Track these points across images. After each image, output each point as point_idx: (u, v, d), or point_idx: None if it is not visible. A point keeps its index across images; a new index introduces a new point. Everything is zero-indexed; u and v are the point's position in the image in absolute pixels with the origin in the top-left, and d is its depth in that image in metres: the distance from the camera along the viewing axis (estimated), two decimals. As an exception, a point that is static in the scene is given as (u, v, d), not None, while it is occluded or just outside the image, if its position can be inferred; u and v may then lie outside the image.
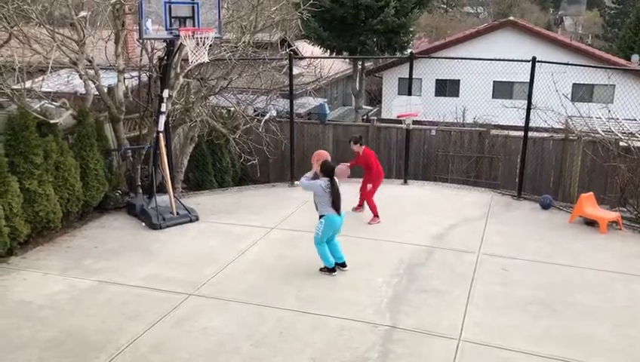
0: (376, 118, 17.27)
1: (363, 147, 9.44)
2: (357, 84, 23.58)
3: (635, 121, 12.10)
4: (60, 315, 6.41)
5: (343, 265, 7.54)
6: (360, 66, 23.42)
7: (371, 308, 6.55)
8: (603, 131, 11.05)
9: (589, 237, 8.86)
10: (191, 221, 9.37)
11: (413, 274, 7.44)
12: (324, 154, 7.62)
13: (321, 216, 7.24)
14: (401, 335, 6.00)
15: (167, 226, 9.10)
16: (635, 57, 27.63)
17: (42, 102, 8.94)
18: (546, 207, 10.18)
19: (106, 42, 10.25)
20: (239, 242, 8.51)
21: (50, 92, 9.28)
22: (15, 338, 5.93)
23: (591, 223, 9.26)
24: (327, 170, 7.21)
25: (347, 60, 25.96)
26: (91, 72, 9.59)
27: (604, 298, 6.86)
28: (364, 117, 23.65)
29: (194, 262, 7.84)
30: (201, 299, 6.79)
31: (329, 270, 7.40)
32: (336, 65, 23.50)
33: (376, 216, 9.33)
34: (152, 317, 6.34)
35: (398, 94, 21.98)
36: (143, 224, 9.24)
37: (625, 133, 10.84)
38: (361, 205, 9.78)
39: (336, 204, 7.15)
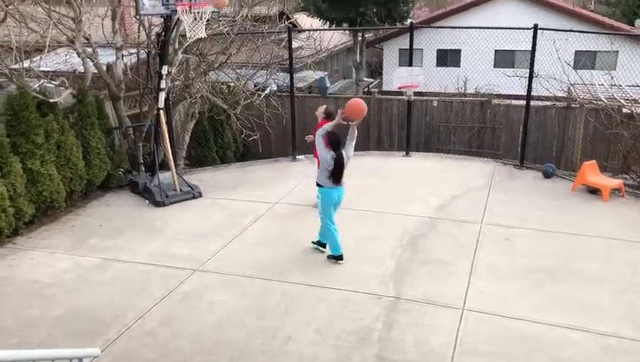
0: (377, 90, 17.17)
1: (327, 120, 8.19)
2: (357, 56, 23.37)
3: (638, 87, 12.00)
4: (68, 293, 6.48)
5: (323, 245, 7.22)
6: (360, 38, 23.18)
7: (375, 279, 6.60)
8: (606, 98, 10.97)
9: (592, 205, 8.86)
10: (194, 197, 9.39)
11: (416, 246, 7.48)
12: (356, 109, 6.60)
13: (317, 185, 6.95)
14: (406, 305, 6.06)
15: (171, 203, 9.13)
16: (638, 22, 27.27)
17: (41, 82, 8.90)
18: (548, 175, 10.18)
19: (103, 19, 10.15)
20: (243, 217, 8.55)
21: (48, 71, 9.24)
22: (25, 317, 6.01)
23: (594, 191, 9.26)
24: (333, 143, 6.68)
25: (347, 32, 25.69)
26: (89, 49, 9.52)
27: (607, 265, 6.89)
28: (366, 89, 23.49)
29: (198, 237, 7.89)
30: (206, 275, 6.85)
31: (335, 258, 7.01)
32: (336, 38, 23.21)
33: None
34: (159, 293, 6.41)
35: (399, 65, 21.82)
36: (147, 201, 9.27)
37: (628, 99, 10.77)
38: None
39: (335, 176, 6.71)
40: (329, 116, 8.58)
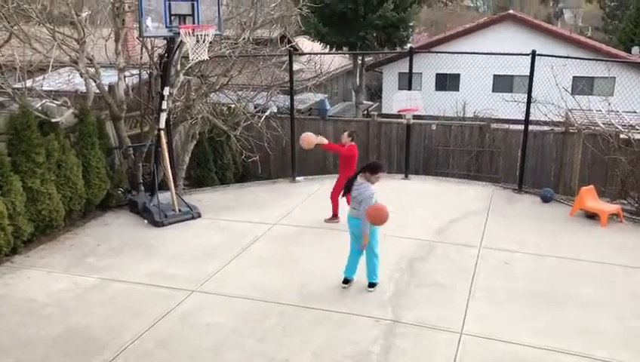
0: (376, 113, 17.29)
1: (353, 143, 8.86)
2: (357, 80, 23.56)
3: (635, 113, 12.11)
4: (64, 313, 6.45)
5: (344, 280, 6.98)
6: (360, 62, 23.40)
7: (373, 302, 6.59)
8: (603, 124, 11.05)
9: (590, 230, 8.88)
10: (193, 218, 9.40)
11: (414, 269, 7.47)
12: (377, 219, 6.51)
13: None
14: (404, 329, 6.04)
15: (170, 223, 9.13)
16: (635, 49, 27.58)
17: (43, 101, 8.97)
18: (547, 200, 10.21)
19: (106, 40, 10.27)
20: (241, 238, 8.55)
21: (51, 91, 9.30)
22: (21, 336, 5.97)
23: (592, 216, 9.28)
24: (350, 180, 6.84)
25: (347, 56, 25.92)
26: (92, 70, 9.62)
27: (605, 290, 6.89)
28: (365, 112, 23.63)
29: (197, 258, 7.88)
30: (204, 295, 6.83)
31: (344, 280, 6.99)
32: (336, 61, 23.43)
33: (335, 215, 9.03)
34: (156, 313, 6.38)
35: (399, 89, 21.99)
36: (146, 221, 9.28)
37: (625, 125, 10.84)
38: (336, 215, 9.08)
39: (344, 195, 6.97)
40: (350, 135, 8.89)
